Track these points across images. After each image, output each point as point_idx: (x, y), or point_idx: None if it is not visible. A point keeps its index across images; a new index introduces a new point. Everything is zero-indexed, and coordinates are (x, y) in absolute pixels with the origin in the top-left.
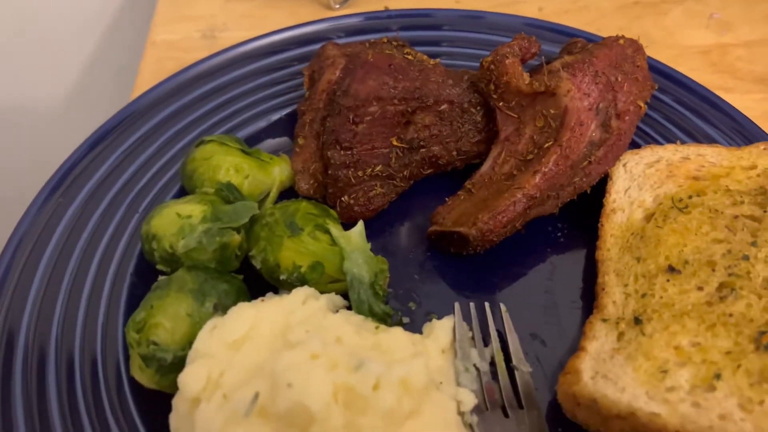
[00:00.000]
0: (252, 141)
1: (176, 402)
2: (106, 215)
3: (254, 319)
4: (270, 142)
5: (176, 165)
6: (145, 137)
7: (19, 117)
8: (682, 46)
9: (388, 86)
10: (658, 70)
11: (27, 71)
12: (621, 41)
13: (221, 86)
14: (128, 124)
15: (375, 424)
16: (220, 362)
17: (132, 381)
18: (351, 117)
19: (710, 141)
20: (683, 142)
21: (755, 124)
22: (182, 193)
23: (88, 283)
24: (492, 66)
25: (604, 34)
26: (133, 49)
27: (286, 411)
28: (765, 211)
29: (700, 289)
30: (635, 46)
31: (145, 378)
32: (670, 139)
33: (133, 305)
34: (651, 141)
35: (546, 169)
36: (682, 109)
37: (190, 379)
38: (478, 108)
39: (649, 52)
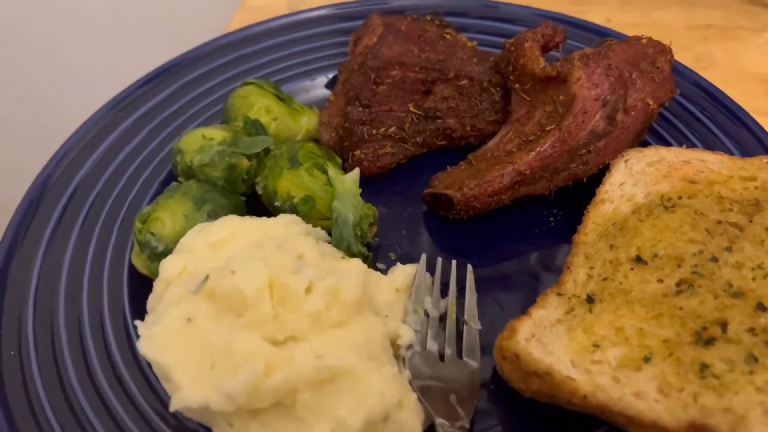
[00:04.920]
0: (294, 95)
1: (155, 284)
2: (151, 133)
3: (237, 228)
4: (309, 99)
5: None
6: (200, 77)
7: (115, 50)
8: (743, 70)
9: (413, 54)
10: (684, 75)
11: (134, 18)
12: (644, 41)
13: (276, 45)
14: (188, 64)
15: (301, 323)
16: (197, 257)
17: (130, 267)
18: (373, 77)
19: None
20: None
21: None
22: None
23: (122, 181)
24: (512, 48)
25: None
26: (228, 10)
27: (226, 294)
28: (750, 221)
29: (660, 281)
30: (659, 48)
31: (140, 262)
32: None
33: None
34: (660, 142)
35: (541, 149)
36: (704, 118)
37: (169, 265)
38: (498, 89)
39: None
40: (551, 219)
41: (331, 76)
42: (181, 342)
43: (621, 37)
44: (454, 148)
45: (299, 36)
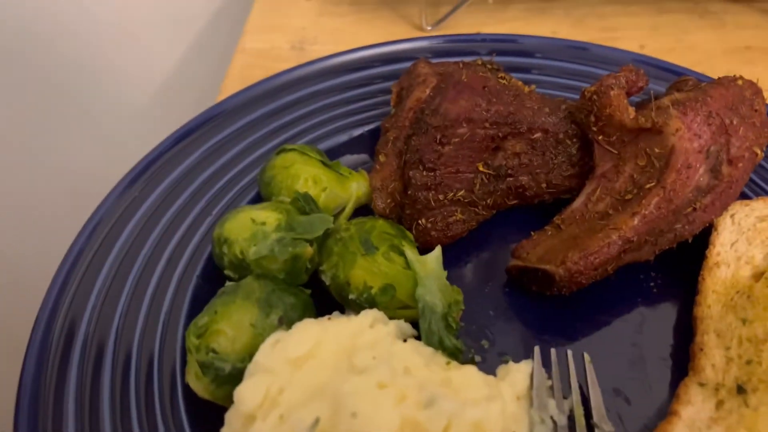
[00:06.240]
0: (331, 155)
1: (230, 416)
2: (179, 215)
3: (319, 336)
4: (349, 158)
5: (254, 171)
6: (225, 141)
7: (105, 113)
8: None
9: (481, 108)
10: None
11: (117, 67)
12: (739, 82)
13: (306, 97)
14: (210, 126)
15: None
16: (280, 379)
17: (186, 388)
18: (438, 137)
19: None
20: None
21: None
22: (258, 199)
23: (153, 280)
24: (595, 96)
25: (713, 77)
26: (224, 55)
27: None
28: None
29: None
30: (754, 88)
31: (200, 387)
32: None
33: (195, 308)
34: (762, 193)
35: (646, 212)
36: None
37: (247, 394)
38: (575, 140)
39: None
40: (652, 285)
41: (367, 130)
42: None
43: (698, 77)
44: (522, 207)
45: (325, 87)
